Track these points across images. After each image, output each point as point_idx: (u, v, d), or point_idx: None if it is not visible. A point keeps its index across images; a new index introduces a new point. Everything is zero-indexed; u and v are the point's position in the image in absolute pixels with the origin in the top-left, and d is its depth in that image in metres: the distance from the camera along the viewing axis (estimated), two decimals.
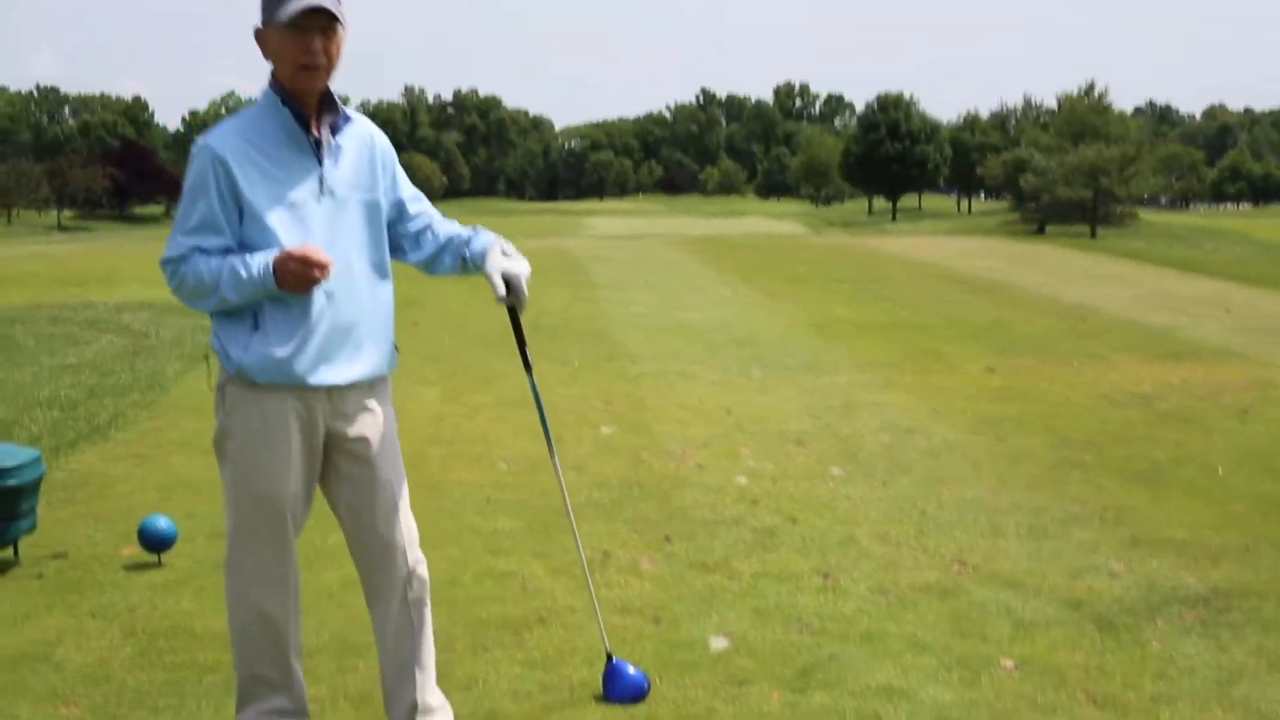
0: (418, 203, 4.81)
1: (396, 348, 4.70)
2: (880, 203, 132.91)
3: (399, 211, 4.72)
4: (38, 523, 7.23)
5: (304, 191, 4.38)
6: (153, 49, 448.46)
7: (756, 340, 16.32)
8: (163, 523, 6.94)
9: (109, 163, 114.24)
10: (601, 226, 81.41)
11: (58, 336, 16.90)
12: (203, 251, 4.28)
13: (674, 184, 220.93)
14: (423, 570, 4.76)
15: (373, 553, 4.67)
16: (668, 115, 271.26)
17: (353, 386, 4.51)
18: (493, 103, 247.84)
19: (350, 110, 4.58)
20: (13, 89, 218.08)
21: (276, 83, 4.39)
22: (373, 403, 4.62)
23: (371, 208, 4.57)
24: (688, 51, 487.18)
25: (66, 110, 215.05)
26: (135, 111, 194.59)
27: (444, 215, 4.87)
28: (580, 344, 16.01)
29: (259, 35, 4.36)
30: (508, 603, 6.33)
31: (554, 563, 6.95)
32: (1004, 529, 7.64)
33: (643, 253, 36.01)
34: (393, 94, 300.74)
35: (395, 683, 4.75)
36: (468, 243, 4.74)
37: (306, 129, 4.41)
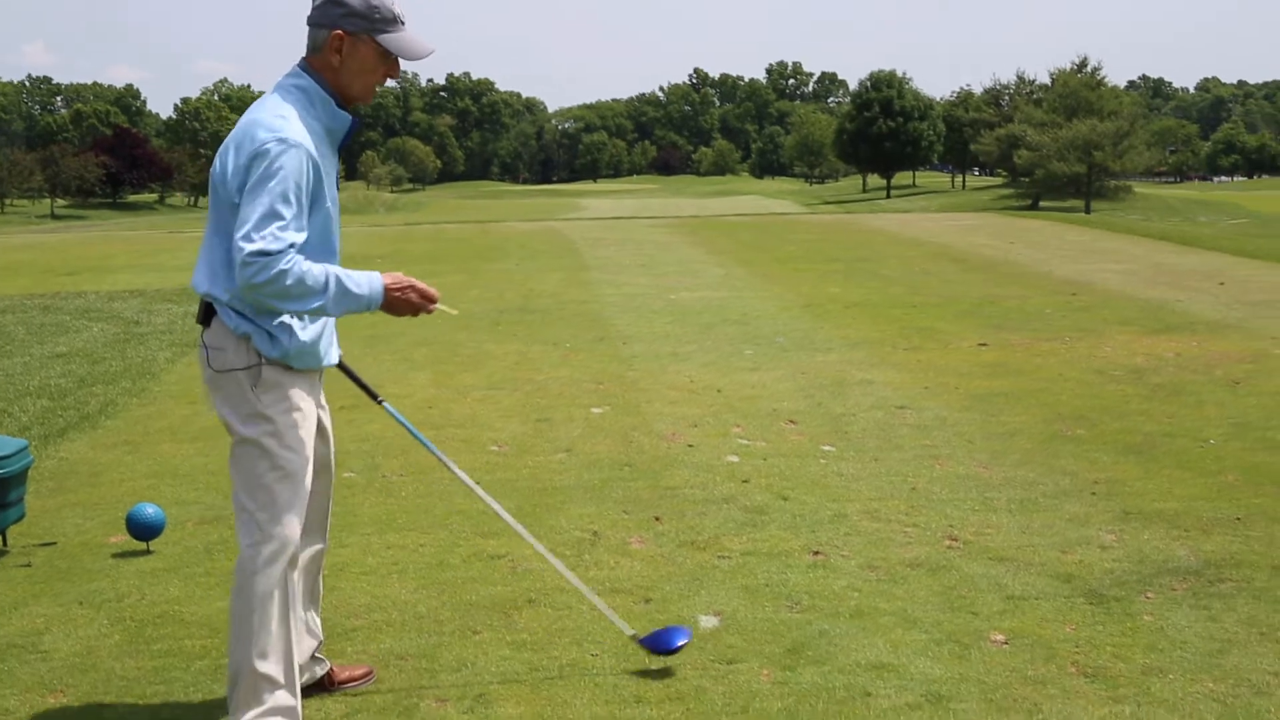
0: None
1: None
2: (874, 180, 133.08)
3: None
4: (26, 512, 7.21)
5: (336, 187, 4.57)
6: (144, 37, 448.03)
7: (749, 320, 16.28)
8: (150, 510, 6.92)
9: (101, 151, 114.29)
10: (595, 208, 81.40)
11: (49, 325, 16.87)
12: (297, 250, 4.28)
13: (668, 164, 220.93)
14: None
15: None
16: (661, 96, 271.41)
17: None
18: (485, 86, 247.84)
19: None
20: (5, 79, 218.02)
21: (328, 81, 4.49)
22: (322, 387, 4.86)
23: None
24: (680, 32, 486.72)
25: (59, 99, 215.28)
26: (127, 99, 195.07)
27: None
28: (572, 326, 15.98)
29: (346, 38, 4.43)
30: (497, 584, 6.31)
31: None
32: (995, 504, 7.63)
33: (635, 234, 35.93)
34: None
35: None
36: None
37: (348, 138, 4.61)
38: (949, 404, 10.60)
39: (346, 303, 4.36)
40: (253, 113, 4.39)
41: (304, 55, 4.51)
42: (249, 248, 4.18)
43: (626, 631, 5.34)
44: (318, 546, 5.00)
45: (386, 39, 4.42)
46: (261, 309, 4.36)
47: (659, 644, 5.27)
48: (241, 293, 4.29)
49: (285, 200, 4.24)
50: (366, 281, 4.40)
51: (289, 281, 4.23)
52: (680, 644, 5.24)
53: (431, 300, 4.58)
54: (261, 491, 4.46)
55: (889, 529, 7.16)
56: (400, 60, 4.52)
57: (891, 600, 6.01)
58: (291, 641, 4.57)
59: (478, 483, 8.17)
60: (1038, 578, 6.29)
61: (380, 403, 5.15)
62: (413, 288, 4.52)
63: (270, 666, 4.50)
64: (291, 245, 4.24)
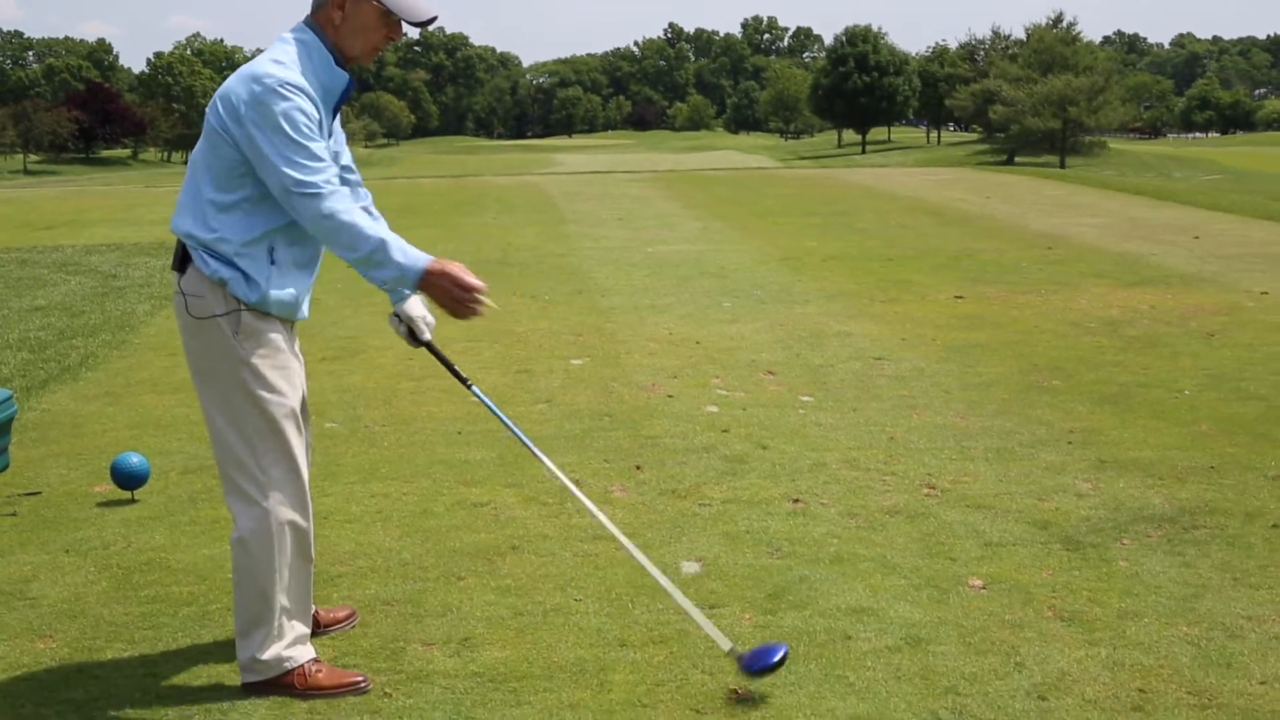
0: (355, 168, 5.01)
1: None
2: (849, 135, 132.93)
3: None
4: (10, 462, 7.25)
5: (324, 143, 4.51)
6: None
7: (727, 273, 16.33)
8: (135, 459, 6.95)
9: (74, 106, 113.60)
10: (571, 162, 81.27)
11: (26, 279, 16.84)
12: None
13: (643, 120, 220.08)
14: None
15: None
16: (636, 51, 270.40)
17: None
18: (459, 40, 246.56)
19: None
20: None
21: (329, 40, 4.51)
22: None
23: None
24: None
25: (30, 54, 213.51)
26: (99, 54, 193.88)
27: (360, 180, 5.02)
28: (551, 279, 16.01)
29: None
30: (480, 531, 6.37)
31: (526, 492, 6.99)
32: (972, 453, 7.70)
33: (612, 188, 35.89)
34: None
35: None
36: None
37: (344, 97, 4.62)
38: (926, 355, 10.67)
39: (385, 270, 4.39)
40: (254, 62, 4.45)
41: (308, 12, 4.53)
42: (296, 188, 4.31)
43: (724, 646, 4.86)
44: None
45: (404, 5, 4.43)
46: (228, 248, 4.44)
47: (757, 662, 5.05)
48: (308, 228, 4.44)
49: (306, 136, 4.34)
50: (413, 254, 4.41)
51: (344, 219, 4.36)
52: (778, 658, 4.76)
53: (470, 291, 4.42)
54: (259, 439, 4.52)
55: (868, 477, 7.23)
56: (403, 23, 4.51)
57: (871, 547, 6.08)
58: (309, 574, 4.75)
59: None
60: (1015, 525, 6.37)
61: (469, 387, 5.20)
62: (446, 274, 4.40)
63: (290, 600, 4.64)
64: (329, 181, 4.35)
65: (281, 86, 4.30)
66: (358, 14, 4.44)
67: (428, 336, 5.01)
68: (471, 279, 4.44)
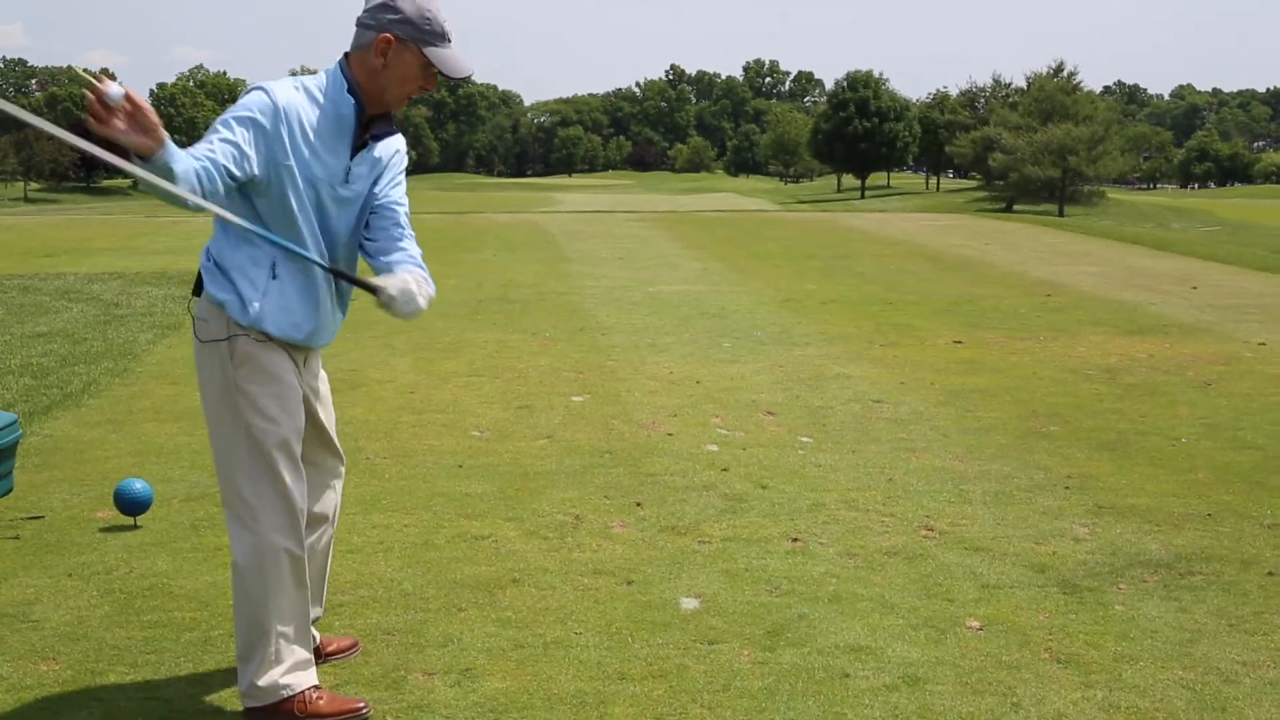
0: (396, 207, 4.79)
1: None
2: (849, 180, 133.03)
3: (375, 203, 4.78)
4: (14, 486, 7.28)
5: (329, 174, 4.54)
6: (121, 21, 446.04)
7: (727, 314, 16.40)
8: (138, 486, 6.98)
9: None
10: (571, 201, 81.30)
11: (28, 306, 16.89)
12: (210, 162, 4.16)
13: (643, 160, 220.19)
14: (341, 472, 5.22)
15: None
16: (637, 91, 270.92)
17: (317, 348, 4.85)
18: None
19: (395, 126, 4.78)
20: None
21: (355, 75, 4.55)
22: (319, 362, 4.97)
23: (369, 200, 4.73)
24: (657, 28, 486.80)
25: (34, 82, 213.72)
26: None
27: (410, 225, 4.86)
28: (552, 316, 16.08)
29: (394, 43, 4.47)
30: (481, 564, 6.40)
31: (526, 526, 7.03)
32: (970, 496, 7.74)
33: (613, 228, 36.03)
34: None
35: (319, 589, 5.17)
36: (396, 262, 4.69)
37: (359, 126, 4.59)
38: (925, 399, 10.72)
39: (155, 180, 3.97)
40: None
41: (346, 51, 4.58)
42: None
43: None
44: (324, 528, 5.12)
45: (432, 52, 4.47)
46: (226, 263, 4.51)
47: None
48: None
49: (237, 118, 4.34)
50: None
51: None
52: None
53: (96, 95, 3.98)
54: (251, 465, 4.55)
55: (866, 518, 7.27)
56: (437, 77, 4.55)
57: (869, 586, 6.12)
58: (306, 600, 4.73)
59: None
60: (1012, 567, 6.41)
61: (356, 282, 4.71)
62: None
63: (288, 626, 4.65)
64: (208, 156, 4.17)
65: (257, 86, 4.43)
66: (400, 63, 4.47)
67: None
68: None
